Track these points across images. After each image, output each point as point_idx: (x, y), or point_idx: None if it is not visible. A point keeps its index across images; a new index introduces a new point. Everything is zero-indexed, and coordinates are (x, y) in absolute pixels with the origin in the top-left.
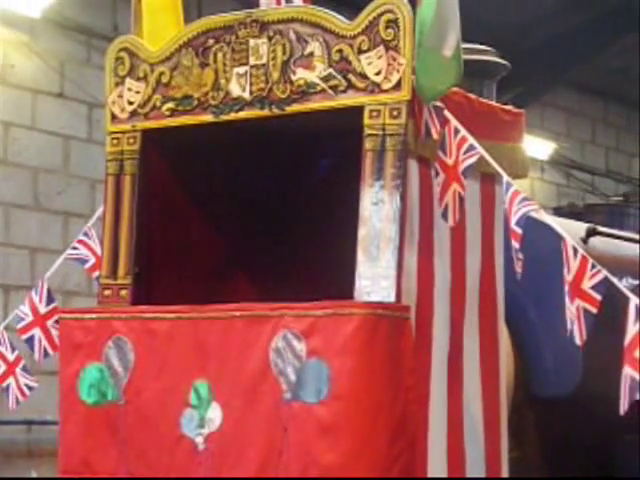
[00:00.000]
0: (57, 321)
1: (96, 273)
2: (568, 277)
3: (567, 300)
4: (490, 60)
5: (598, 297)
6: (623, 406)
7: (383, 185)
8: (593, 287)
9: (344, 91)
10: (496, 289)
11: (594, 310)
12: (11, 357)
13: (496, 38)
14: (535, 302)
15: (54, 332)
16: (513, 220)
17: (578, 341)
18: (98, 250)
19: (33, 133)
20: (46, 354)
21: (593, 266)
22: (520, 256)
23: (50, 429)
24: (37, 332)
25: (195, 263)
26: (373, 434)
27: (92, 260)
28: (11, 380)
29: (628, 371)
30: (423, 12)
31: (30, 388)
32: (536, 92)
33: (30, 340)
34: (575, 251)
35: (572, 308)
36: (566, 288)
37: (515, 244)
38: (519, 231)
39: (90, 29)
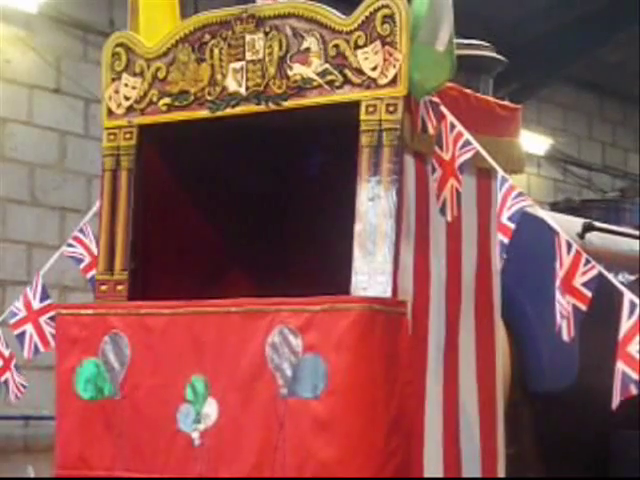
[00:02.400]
0: (52, 318)
1: (90, 274)
2: (560, 272)
3: (557, 295)
4: (487, 55)
5: (589, 294)
6: (615, 401)
7: (379, 180)
8: (584, 284)
9: (340, 86)
10: (492, 285)
11: (584, 307)
12: (7, 353)
13: (493, 33)
14: (532, 298)
15: (47, 329)
16: (506, 215)
17: (565, 337)
18: (94, 248)
19: (29, 128)
20: (36, 351)
21: (587, 262)
22: (504, 253)
23: (47, 424)
24: (29, 328)
25: (192, 258)
26: (369, 429)
27: (87, 260)
28: (8, 375)
29: (621, 366)
30: (416, 7)
31: (24, 386)
32: (533, 87)
33: (21, 336)
34: (569, 246)
35: (563, 302)
36: (557, 283)
37: (504, 239)
38: (511, 226)
39: (86, 24)
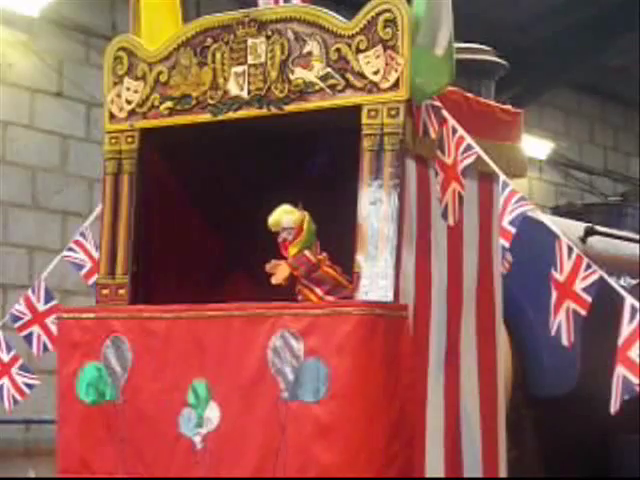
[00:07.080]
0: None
1: (92, 279)
2: (560, 277)
3: (553, 299)
4: (488, 60)
5: (589, 299)
6: (614, 405)
7: (381, 184)
8: (585, 289)
9: (342, 90)
10: (494, 288)
11: (584, 312)
12: (6, 358)
13: (495, 37)
14: (533, 302)
15: (54, 329)
16: (507, 219)
17: (565, 342)
18: (94, 253)
19: (31, 132)
20: (45, 349)
21: (588, 267)
22: (508, 256)
23: (48, 428)
24: (36, 329)
25: (193, 262)
26: (371, 433)
27: (88, 265)
28: (5, 381)
29: (621, 370)
30: (415, 10)
31: (30, 386)
32: (534, 92)
33: (29, 337)
34: (570, 251)
35: (562, 310)
36: (551, 284)
37: (505, 243)
38: (512, 230)
39: (88, 28)
